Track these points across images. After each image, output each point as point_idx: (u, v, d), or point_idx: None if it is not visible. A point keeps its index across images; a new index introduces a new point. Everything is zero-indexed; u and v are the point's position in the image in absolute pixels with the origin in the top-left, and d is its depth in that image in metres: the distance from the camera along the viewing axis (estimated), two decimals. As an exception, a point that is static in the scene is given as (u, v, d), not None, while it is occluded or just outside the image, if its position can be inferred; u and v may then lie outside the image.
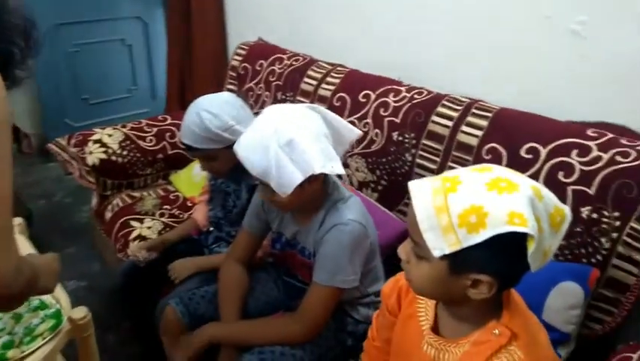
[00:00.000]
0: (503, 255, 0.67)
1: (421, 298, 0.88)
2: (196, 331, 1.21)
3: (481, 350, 0.75)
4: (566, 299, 1.13)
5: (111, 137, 1.96)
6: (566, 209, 0.70)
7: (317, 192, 1.14)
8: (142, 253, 1.49)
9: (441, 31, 1.66)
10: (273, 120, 1.08)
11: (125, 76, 3.35)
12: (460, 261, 0.69)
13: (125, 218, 1.80)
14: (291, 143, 1.03)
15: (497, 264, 0.68)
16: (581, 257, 1.19)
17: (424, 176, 1.40)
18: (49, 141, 2.07)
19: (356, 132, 1.19)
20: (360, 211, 1.17)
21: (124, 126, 2.04)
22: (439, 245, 0.68)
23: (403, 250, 0.78)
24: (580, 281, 1.13)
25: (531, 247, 0.64)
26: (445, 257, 0.69)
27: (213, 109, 1.37)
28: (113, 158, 1.92)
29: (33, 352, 1.01)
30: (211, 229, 1.57)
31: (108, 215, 1.87)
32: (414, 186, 0.72)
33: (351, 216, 1.13)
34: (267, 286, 1.36)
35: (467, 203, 0.66)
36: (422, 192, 0.70)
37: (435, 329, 0.84)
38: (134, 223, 1.77)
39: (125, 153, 1.95)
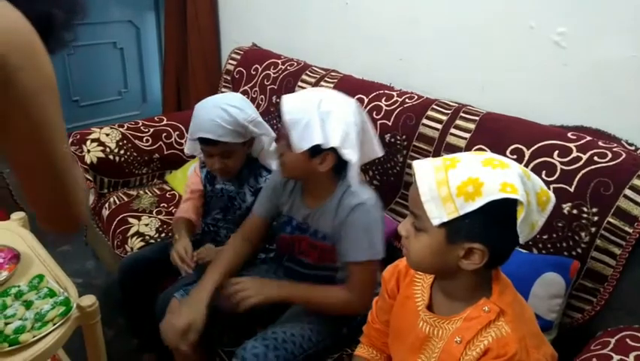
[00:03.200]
0: (495, 223, 0.75)
1: (418, 279, 0.95)
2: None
3: (471, 325, 0.82)
4: (548, 289, 1.21)
5: (109, 136, 2.00)
6: (550, 192, 0.79)
7: (325, 175, 1.23)
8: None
9: (431, 40, 1.74)
10: (324, 93, 1.21)
11: (116, 79, 3.37)
12: (456, 229, 0.76)
13: (122, 215, 1.84)
14: (328, 114, 1.16)
15: (489, 233, 0.75)
16: (563, 250, 1.26)
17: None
18: (39, 141, 2.08)
19: (378, 152, 1.31)
20: (370, 191, 1.27)
21: (121, 126, 2.07)
22: (439, 214, 0.75)
23: (403, 227, 0.85)
24: (562, 272, 1.21)
25: (520, 214, 0.72)
26: (442, 226, 0.76)
27: (237, 103, 1.44)
28: (111, 157, 1.96)
29: (44, 336, 1.04)
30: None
31: (105, 213, 1.90)
32: (417, 164, 0.80)
33: (367, 195, 1.23)
34: (266, 277, 1.40)
35: (465, 176, 0.74)
36: (425, 168, 0.78)
37: (430, 307, 0.91)
38: (131, 220, 1.81)
39: (122, 152, 1.99)
